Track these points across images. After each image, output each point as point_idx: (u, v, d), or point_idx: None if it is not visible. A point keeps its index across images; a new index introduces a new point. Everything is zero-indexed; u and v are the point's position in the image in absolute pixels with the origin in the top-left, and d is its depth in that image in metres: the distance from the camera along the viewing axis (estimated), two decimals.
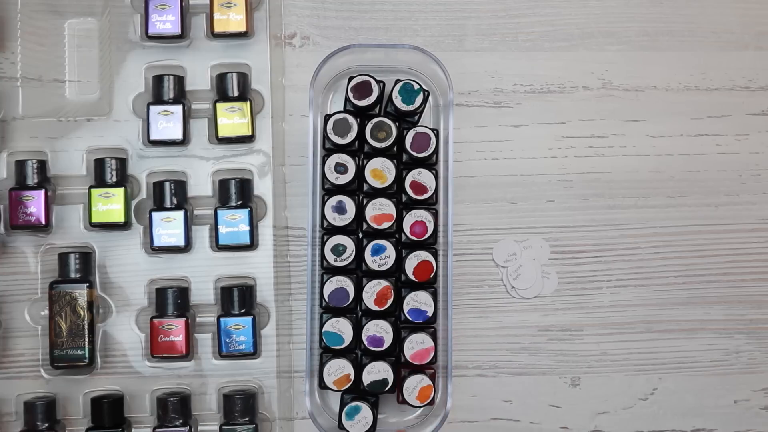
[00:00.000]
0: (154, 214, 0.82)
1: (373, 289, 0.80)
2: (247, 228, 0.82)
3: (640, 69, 0.87)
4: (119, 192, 0.82)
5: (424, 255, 0.80)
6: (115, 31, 0.84)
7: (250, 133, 0.83)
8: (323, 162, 0.81)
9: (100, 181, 0.82)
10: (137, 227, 0.84)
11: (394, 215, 0.80)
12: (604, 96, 0.87)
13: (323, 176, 0.81)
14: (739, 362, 0.87)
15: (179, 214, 0.82)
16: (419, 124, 0.82)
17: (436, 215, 0.81)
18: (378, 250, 0.80)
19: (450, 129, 0.82)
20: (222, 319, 0.82)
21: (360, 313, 0.82)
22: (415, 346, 0.80)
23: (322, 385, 0.80)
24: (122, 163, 0.83)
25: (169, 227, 0.82)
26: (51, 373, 0.82)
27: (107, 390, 0.83)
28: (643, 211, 0.87)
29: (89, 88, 0.84)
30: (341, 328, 0.80)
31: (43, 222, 0.82)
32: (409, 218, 0.80)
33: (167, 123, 0.82)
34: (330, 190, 0.82)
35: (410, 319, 0.80)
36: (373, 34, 0.86)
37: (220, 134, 0.83)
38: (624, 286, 0.87)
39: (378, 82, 0.81)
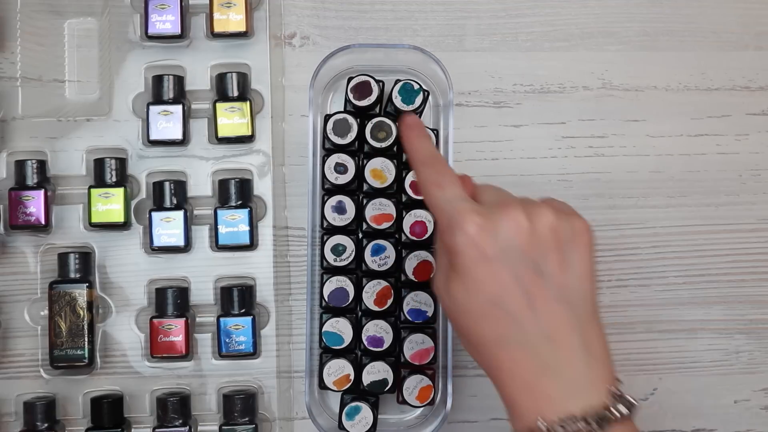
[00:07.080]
0: (154, 214, 0.82)
1: (373, 289, 0.80)
2: (247, 228, 0.82)
3: (640, 69, 0.87)
4: (119, 192, 0.82)
5: (424, 255, 0.80)
6: (115, 31, 0.84)
7: (249, 133, 0.83)
8: (323, 162, 0.80)
9: (99, 181, 0.82)
10: (137, 227, 0.83)
11: (394, 215, 0.80)
12: (604, 96, 0.87)
13: (323, 176, 0.81)
14: (739, 362, 0.87)
15: (179, 214, 0.82)
16: None
17: None
18: (378, 250, 0.80)
19: (450, 129, 0.82)
20: (222, 319, 0.82)
21: (360, 313, 0.82)
22: (415, 346, 0.80)
23: (322, 386, 0.80)
24: (122, 163, 0.83)
25: (168, 227, 0.82)
26: (51, 373, 0.82)
27: (107, 390, 0.83)
28: (643, 211, 0.87)
29: (89, 88, 0.84)
30: (341, 328, 0.80)
31: (43, 222, 0.81)
32: (409, 218, 0.80)
33: (167, 123, 0.82)
34: (330, 190, 0.82)
35: (410, 319, 0.80)
36: (373, 34, 0.86)
37: (220, 134, 0.83)
38: (624, 286, 0.87)
39: (378, 82, 0.81)
